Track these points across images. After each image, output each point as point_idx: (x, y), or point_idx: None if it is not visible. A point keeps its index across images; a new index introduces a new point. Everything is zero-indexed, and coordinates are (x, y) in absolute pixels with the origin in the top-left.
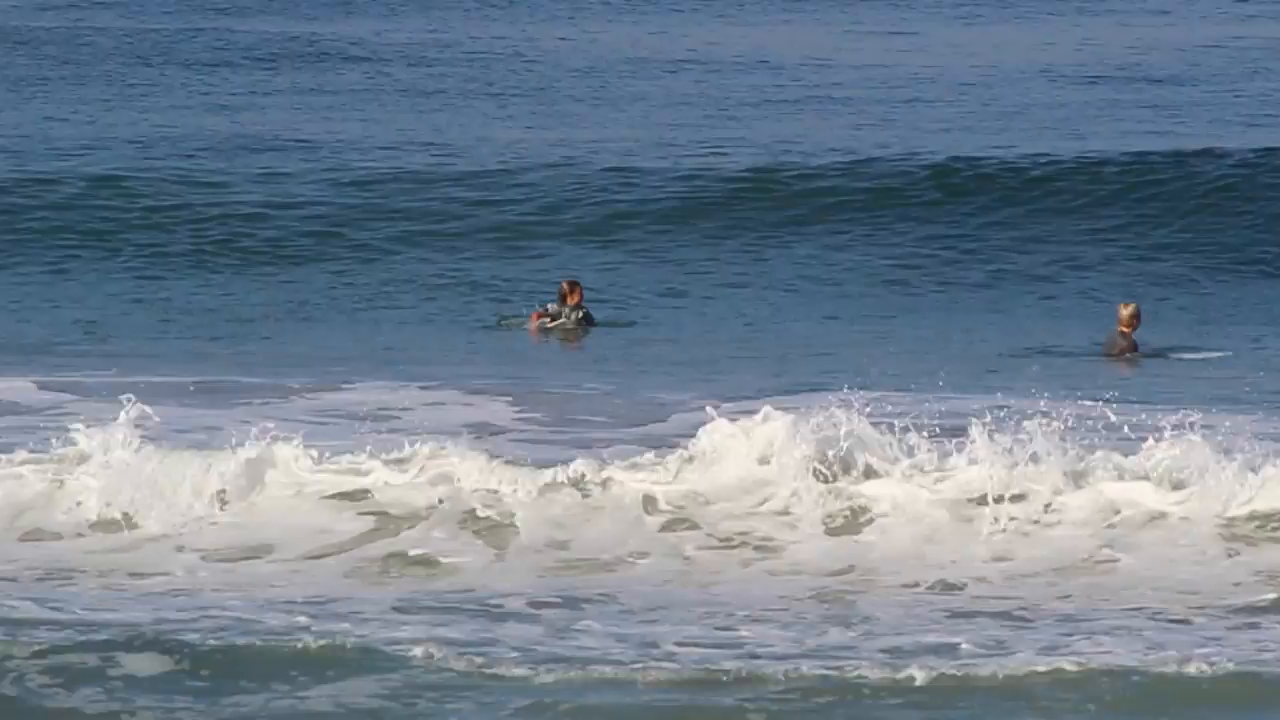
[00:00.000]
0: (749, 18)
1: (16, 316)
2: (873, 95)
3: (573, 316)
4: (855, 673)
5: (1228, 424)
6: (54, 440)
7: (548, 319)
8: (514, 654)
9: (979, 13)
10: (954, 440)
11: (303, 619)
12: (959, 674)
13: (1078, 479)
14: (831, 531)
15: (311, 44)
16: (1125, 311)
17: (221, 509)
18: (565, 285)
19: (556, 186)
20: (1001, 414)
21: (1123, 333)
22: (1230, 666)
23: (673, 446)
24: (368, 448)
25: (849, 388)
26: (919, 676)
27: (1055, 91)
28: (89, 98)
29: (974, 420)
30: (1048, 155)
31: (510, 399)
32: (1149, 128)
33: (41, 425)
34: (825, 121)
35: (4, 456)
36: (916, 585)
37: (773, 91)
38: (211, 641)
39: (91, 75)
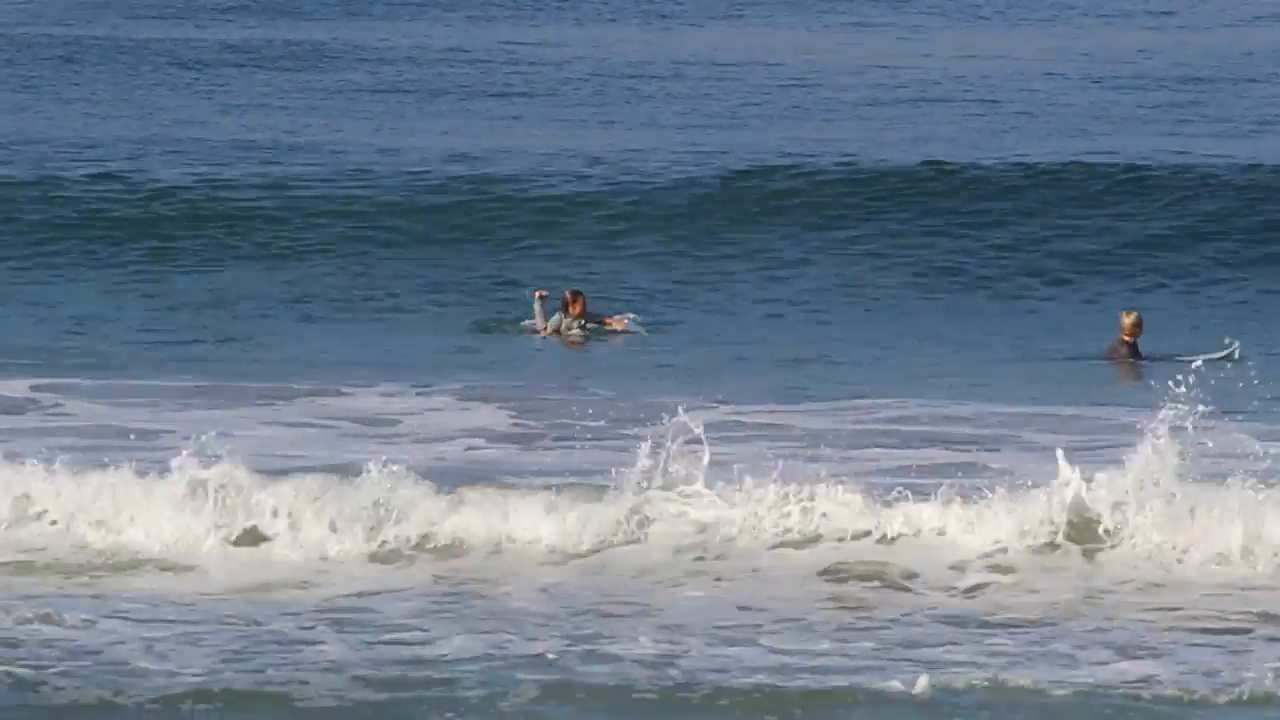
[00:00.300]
0: (754, 21)
1: (12, 317)
2: (878, 98)
3: (573, 326)
4: (875, 682)
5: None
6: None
7: (550, 330)
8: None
9: (983, 16)
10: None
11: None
12: (981, 685)
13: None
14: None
15: (316, 47)
16: (1127, 320)
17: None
18: (568, 295)
19: (559, 189)
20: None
21: (1124, 340)
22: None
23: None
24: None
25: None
26: (938, 687)
27: (1061, 95)
28: (88, 100)
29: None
30: (1053, 159)
31: (501, 404)
32: (1154, 130)
33: (32, 429)
34: (831, 124)
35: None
36: (936, 596)
37: (779, 95)
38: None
39: (95, 78)
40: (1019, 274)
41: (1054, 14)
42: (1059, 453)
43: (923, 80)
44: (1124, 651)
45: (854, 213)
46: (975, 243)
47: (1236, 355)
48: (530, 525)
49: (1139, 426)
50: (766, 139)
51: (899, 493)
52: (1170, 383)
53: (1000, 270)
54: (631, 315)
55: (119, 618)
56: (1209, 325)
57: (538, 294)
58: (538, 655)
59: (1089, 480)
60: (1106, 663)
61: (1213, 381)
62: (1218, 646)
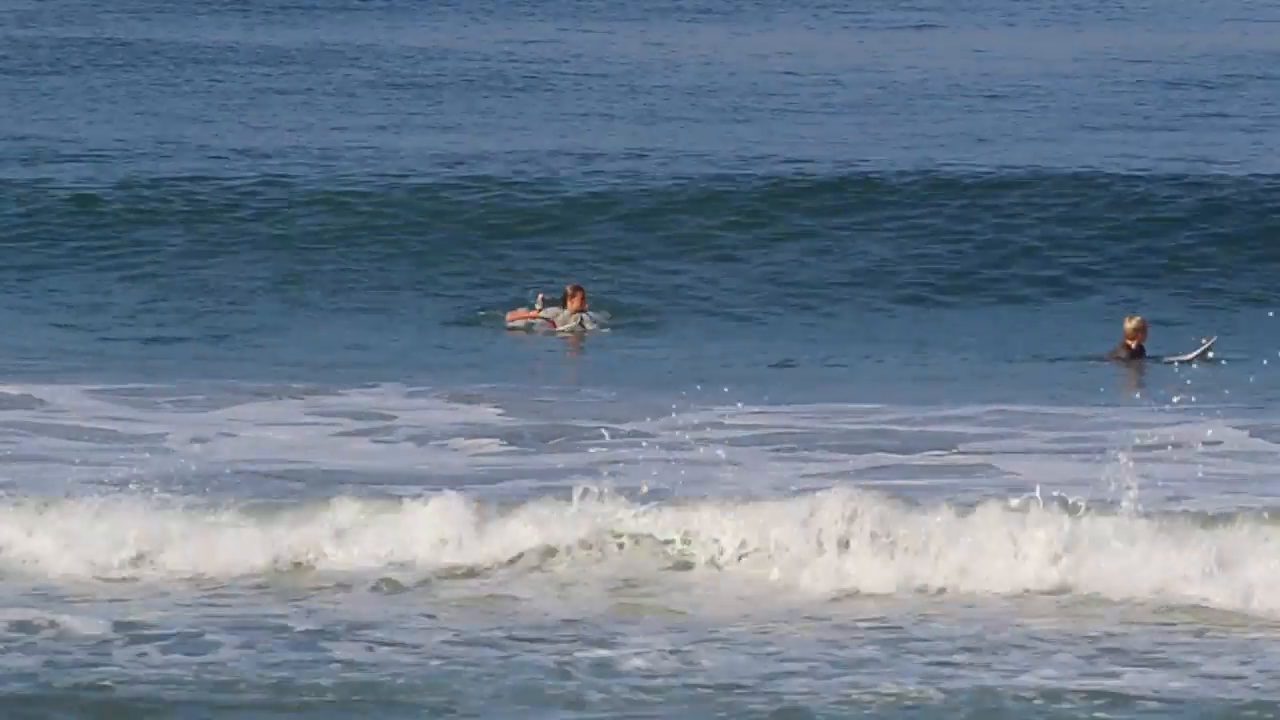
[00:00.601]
0: (754, 21)
1: (9, 317)
2: (878, 98)
3: (569, 321)
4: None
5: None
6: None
7: (537, 318)
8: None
9: (983, 16)
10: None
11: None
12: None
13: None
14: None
15: (315, 47)
16: (1129, 325)
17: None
18: (569, 288)
19: (557, 187)
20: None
21: (1126, 345)
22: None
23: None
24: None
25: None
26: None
27: (1061, 95)
28: (89, 100)
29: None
30: (1052, 160)
31: (493, 404)
32: (1154, 130)
33: (29, 427)
34: (830, 124)
35: None
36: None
37: (778, 95)
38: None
39: (95, 78)
40: (1019, 275)
41: (1054, 14)
42: (1040, 490)
43: (923, 80)
44: (1133, 658)
45: (852, 212)
46: (975, 243)
47: (1213, 353)
48: (526, 528)
49: (1132, 429)
50: (765, 138)
51: (897, 494)
52: (1164, 385)
53: (1001, 271)
54: (596, 322)
55: (118, 619)
56: (1209, 324)
57: (540, 298)
58: (537, 660)
59: (1089, 484)
60: (1117, 671)
61: (1194, 382)
62: (1227, 653)
